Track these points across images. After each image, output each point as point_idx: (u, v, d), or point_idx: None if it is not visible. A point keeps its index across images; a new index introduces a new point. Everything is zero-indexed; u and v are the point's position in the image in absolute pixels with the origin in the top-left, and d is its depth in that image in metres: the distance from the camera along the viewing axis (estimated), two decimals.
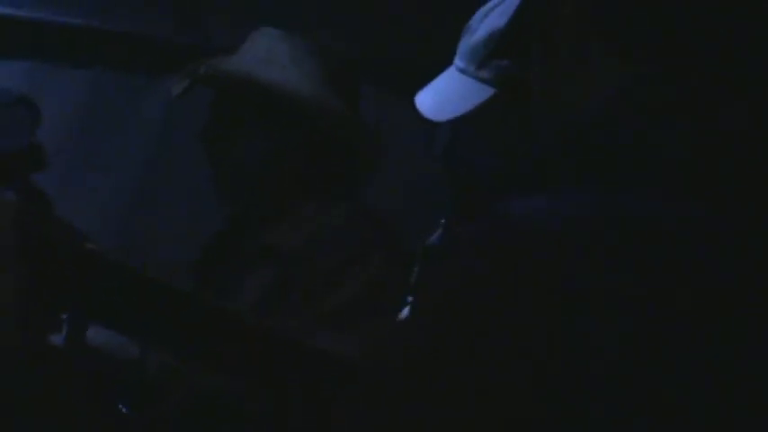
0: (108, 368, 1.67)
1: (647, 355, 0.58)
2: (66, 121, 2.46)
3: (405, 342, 0.63)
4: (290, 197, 1.78)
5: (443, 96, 0.98)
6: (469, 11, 1.01)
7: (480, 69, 0.93)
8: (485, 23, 0.92)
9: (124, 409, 1.68)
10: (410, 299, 1.14)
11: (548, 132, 0.74)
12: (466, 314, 0.59)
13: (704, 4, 0.69)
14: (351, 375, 1.06)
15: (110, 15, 2.47)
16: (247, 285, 1.76)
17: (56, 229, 1.02)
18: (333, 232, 1.74)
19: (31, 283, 0.94)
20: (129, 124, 2.58)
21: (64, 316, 1.18)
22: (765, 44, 0.69)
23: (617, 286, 0.58)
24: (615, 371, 0.57)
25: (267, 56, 1.76)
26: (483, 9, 0.96)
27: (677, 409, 0.59)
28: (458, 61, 0.98)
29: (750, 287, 0.62)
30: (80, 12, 2.45)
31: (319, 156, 1.78)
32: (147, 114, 2.57)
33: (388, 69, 2.52)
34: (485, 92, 0.91)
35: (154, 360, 1.68)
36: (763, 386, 0.61)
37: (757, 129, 0.67)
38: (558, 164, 0.69)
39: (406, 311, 1.18)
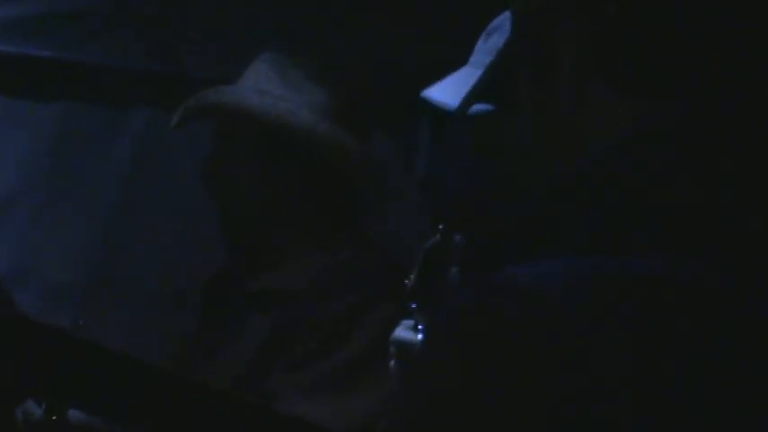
0: None
1: (660, 417, 0.57)
2: (35, 156, 2.46)
3: (404, 416, 0.62)
4: (293, 235, 1.73)
5: (454, 81, 0.95)
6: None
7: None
8: (498, 33, 0.91)
9: None
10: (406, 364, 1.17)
11: (542, 185, 0.71)
12: (472, 384, 0.58)
13: (725, 35, 0.65)
14: None
15: (79, 47, 2.45)
16: (243, 335, 1.71)
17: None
18: (339, 274, 1.68)
19: None
20: (100, 157, 2.57)
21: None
22: None
23: (629, 355, 0.57)
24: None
25: (265, 85, 1.73)
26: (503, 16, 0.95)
27: None
28: (472, 58, 0.97)
29: (757, 347, 0.61)
30: (48, 44, 2.43)
31: (322, 191, 1.74)
32: (119, 147, 2.56)
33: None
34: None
35: None
36: None
37: None
38: (554, 220, 0.67)
39: (397, 376, 1.19)
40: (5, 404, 1.63)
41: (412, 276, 1.20)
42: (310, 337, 1.62)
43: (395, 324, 1.26)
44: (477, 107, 0.95)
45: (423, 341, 1.20)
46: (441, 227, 1.20)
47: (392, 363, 1.20)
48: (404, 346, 1.17)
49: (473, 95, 0.85)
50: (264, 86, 1.73)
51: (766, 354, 0.61)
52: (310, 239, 1.72)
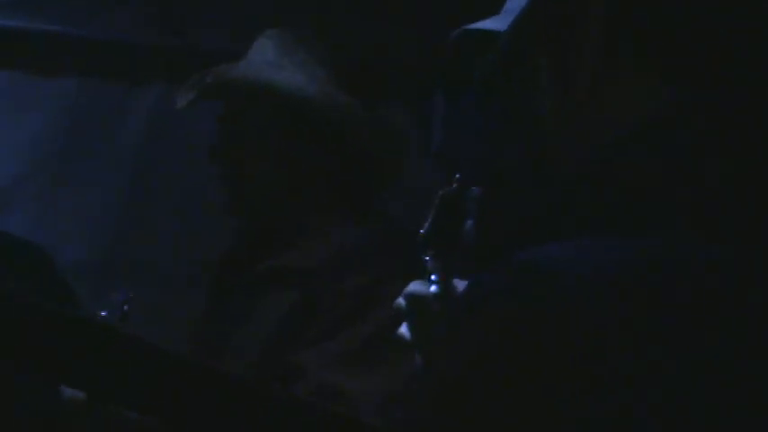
0: None
1: (690, 399, 0.57)
2: (48, 133, 2.49)
3: (431, 396, 0.62)
4: (307, 213, 1.74)
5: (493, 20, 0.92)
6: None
7: None
8: None
9: None
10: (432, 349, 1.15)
11: (564, 168, 0.71)
12: (501, 366, 0.58)
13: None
14: None
15: (92, 22, 2.49)
16: (260, 314, 1.72)
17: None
18: (356, 251, 1.69)
19: None
20: (113, 133, 2.60)
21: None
22: None
23: (659, 331, 0.58)
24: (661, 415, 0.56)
25: (276, 60, 1.73)
26: None
27: None
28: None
29: None
30: (58, 19, 2.47)
31: (337, 167, 1.75)
32: (132, 123, 2.60)
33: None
34: None
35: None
36: None
37: None
38: (576, 203, 0.67)
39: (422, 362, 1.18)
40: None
41: (426, 226, 1.19)
42: (332, 313, 1.63)
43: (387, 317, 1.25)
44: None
45: (442, 309, 1.19)
46: (458, 176, 1.20)
47: (403, 325, 1.20)
48: (416, 299, 1.17)
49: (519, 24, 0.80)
50: (277, 61, 1.74)
51: None
52: (327, 217, 1.73)
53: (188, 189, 2.39)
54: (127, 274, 2.37)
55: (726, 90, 0.66)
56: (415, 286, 1.19)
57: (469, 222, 1.19)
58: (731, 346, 0.58)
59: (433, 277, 1.15)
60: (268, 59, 1.74)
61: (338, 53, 1.78)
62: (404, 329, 1.20)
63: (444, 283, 1.17)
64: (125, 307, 1.64)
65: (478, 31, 0.88)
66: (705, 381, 0.58)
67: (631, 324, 0.57)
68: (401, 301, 1.18)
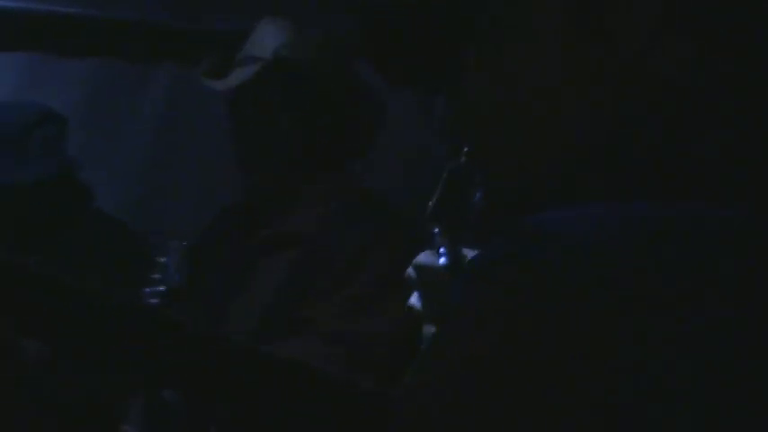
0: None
1: (707, 359, 0.55)
2: (70, 110, 2.50)
3: (446, 364, 0.59)
4: (299, 182, 1.88)
5: None
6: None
7: None
8: None
9: None
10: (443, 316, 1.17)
11: (579, 133, 0.66)
12: (513, 331, 0.56)
13: None
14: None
15: (115, 5, 2.57)
16: (263, 276, 1.86)
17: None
18: (344, 218, 1.84)
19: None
20: (132, 109, 2.69)
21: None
22: None
23: (675, 291, 0.56)
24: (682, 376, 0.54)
25: (287, 40, 1.90)
26: None
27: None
28: None
29: None
30: (86, 2, 2.54)
31: (329, 138, 1.90)
32: (150, 98, 2.69)
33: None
34: None
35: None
36: None
37: None
38: (591, 166, 0.65)
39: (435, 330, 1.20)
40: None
41: (434, 199, 1.22)
42: (331, 269, 1.79)
43: (398, 262, 1.35)
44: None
45: (450, 277, 1.20)
46: (466, 149, 1.19)
47: (414, 294, 1.23)
48: (426, 270, 1.20)
49: None
50: (280, 41, 1.90)
51: None
52: (321, 186, 1.90)
53: (202, 151, 2.51)
54: (154, 223, 2.48)
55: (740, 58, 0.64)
56: (424, 257, 1.22)
57: (478, 194, 1.20)
58: (732, 311, 0.58)
59: (441, 249, 1.19)
60: (280, 40, 1.90)
61: (331, 41, 1.94)
62: (414, 299, 1.23)
63: (453, 254, 1.20)
64: (179, 255, 1.79)
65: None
66: (705, 339, 0.56)
67: (632, 283, 0.56)
68: (411, 271, 1.21)
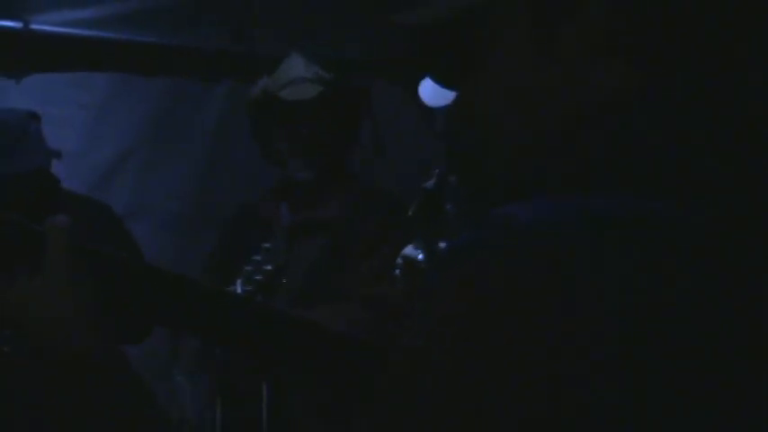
0: None
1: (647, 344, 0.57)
2: (147, 119, 2.90)
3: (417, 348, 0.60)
4: (328, 180, 2.21)
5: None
6: None
7: None
8: None
9: None
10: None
11: (544, 134, 0.68)
12: (478, 316, 0.57)
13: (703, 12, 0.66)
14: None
15: (174, 33, 2.90)
16: (298, 254, 2.16)
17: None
18: (363, 205, 2.17)
19: (91, 293, 0.94)
20: (194, 120, 3.01)
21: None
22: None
23: (622, 280, 0.58)
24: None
25: (309, 68, 2.24)
26: None
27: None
28: None
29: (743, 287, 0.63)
30: (154, 33, 2.89)
31: (350, 139, 2.28)
32: (208, 112, 3.01)
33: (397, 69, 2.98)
34: None
35: None
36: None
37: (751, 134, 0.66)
38: (540, 168, 0.67)
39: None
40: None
41: (412, 209, 1.43)
42: (352, 250, 2.09)
43: (400, 246, 1.62)
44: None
45: (425, 263, 1.39)
46: (437, 170, 1.39)
47: (398, 272, 1.49)
48: (408, 260, 1.47)
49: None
50: (310, 68, 2.23)
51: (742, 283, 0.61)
52: (347, 188, 2.23)
53: (245, 160, 2.75)
54: (207, 225, 2.75)
55: (684, 75, 0.66)
56: (408, 250, 1.49)
57: (449, 205, 1.40)
58: (660, 288, 0.58)
59: (421, 248, 1.48)
60: (305, 68, 2.22)
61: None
62: (400, 283, 1.47)
63: (430, 247, 1.47)
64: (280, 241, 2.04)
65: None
66: (682, 322, 0.58)
67: (573, 264, 0.57)
68: (399, 260, 1.48)
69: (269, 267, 2.00)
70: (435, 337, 0.58)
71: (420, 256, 1.47)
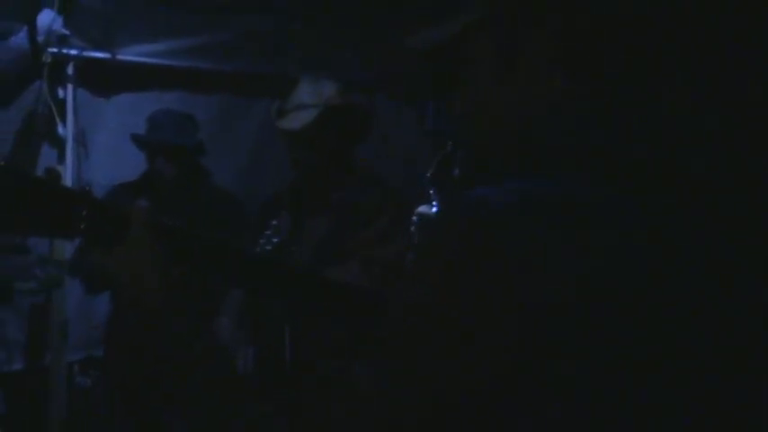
0: None
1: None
2: (203, 128, 3.25)
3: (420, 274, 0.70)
4: (338, 176, 2.34)
5: None
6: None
7: None
8: None
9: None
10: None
11: (496, 137, 0.75)
12: (458, 260, 0.66)
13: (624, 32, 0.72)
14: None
15: (229, 60, 3.28)
16: (311, 228, 2.30)
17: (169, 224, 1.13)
18: (361, 188, 2.30)
19: (164, 258, 1.03)
20: (238, 133, 3.37)
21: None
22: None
23: (556, 250, 0.64)
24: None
25: (332, 92, 2.38)
26: None
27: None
28: None
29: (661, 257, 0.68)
30: (209, 60, 3.34)
31: (353, 143, 2.44)
32: (251, 123, 3.38)
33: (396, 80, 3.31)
34: None
35: None
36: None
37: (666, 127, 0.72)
38: (517, 155, 0.74)
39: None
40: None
41: (429, 173, 1.49)
42: (355, 222, 2.22)
43: (394, 218, 1.85)
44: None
45: (435, 216, 1.50)
46: (450, 143, 1.45)
47: (413, 228, 1.53)
48: (422, 215, 1.52)
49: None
50: (328, 92, 2.34)
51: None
52: (347, 177, 2.35)
53: (283, 161, 2.62)
54: (249, 210, 2.88)
55: (608, 83, 0.74)
56: (422, 208, 1.53)
57: (456, 170, 1.42)
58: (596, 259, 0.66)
59: (434, 202, 1.51)
60: (317, 89, 2.32)
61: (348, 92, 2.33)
62: (415, 236, 1.52)
63: (441, 204, 1.62)
64: (284, 220, 2.25)
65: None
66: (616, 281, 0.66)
67: (528, 239, 0.66)
68: (414, 218, 1.52)
69: (276, 240, 2.16)
70: (422, 280, 0.69)
71: (433, 211, 1.58)
